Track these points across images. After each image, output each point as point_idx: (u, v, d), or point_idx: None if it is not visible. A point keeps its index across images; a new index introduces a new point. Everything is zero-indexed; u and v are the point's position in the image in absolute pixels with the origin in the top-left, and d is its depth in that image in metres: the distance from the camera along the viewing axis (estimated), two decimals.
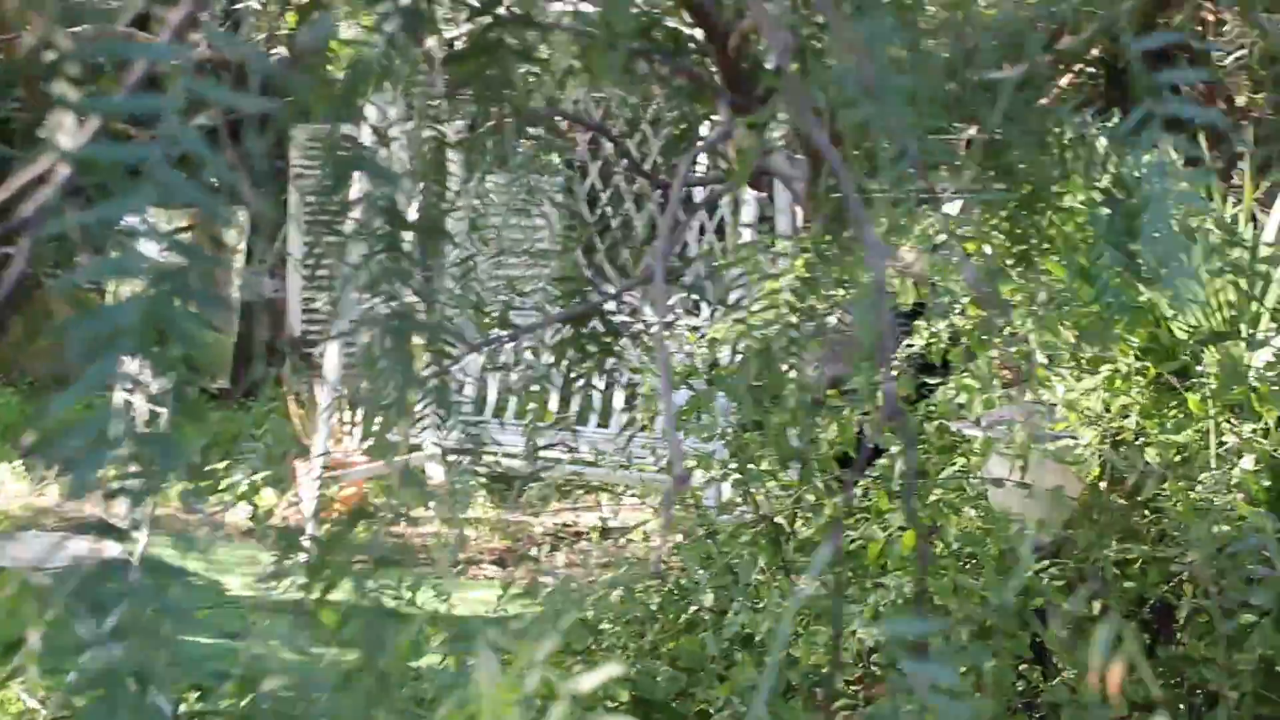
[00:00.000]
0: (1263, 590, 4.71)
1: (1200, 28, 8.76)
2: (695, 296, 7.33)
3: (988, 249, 3.86)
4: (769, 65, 2.80)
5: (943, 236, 5.55)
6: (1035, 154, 2.97)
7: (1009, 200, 3.34)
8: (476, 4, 2.71)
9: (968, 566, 4.75)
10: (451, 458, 9.14)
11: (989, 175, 3.17)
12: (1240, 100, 8.16)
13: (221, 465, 8.22)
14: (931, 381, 5.78)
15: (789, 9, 2.42)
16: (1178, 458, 5.01)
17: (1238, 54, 7.59)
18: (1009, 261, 3.67)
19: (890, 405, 2.54)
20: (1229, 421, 4.81)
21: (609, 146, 9.71)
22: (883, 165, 1.66)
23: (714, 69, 3.00)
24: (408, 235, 2.29)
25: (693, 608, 5.11)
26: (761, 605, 4.90)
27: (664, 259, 2.20)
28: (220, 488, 9.53)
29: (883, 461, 5.37)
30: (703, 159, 4.00)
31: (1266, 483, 4.70)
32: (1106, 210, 3.92)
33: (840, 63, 1.71)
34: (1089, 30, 2.92)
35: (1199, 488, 4.68)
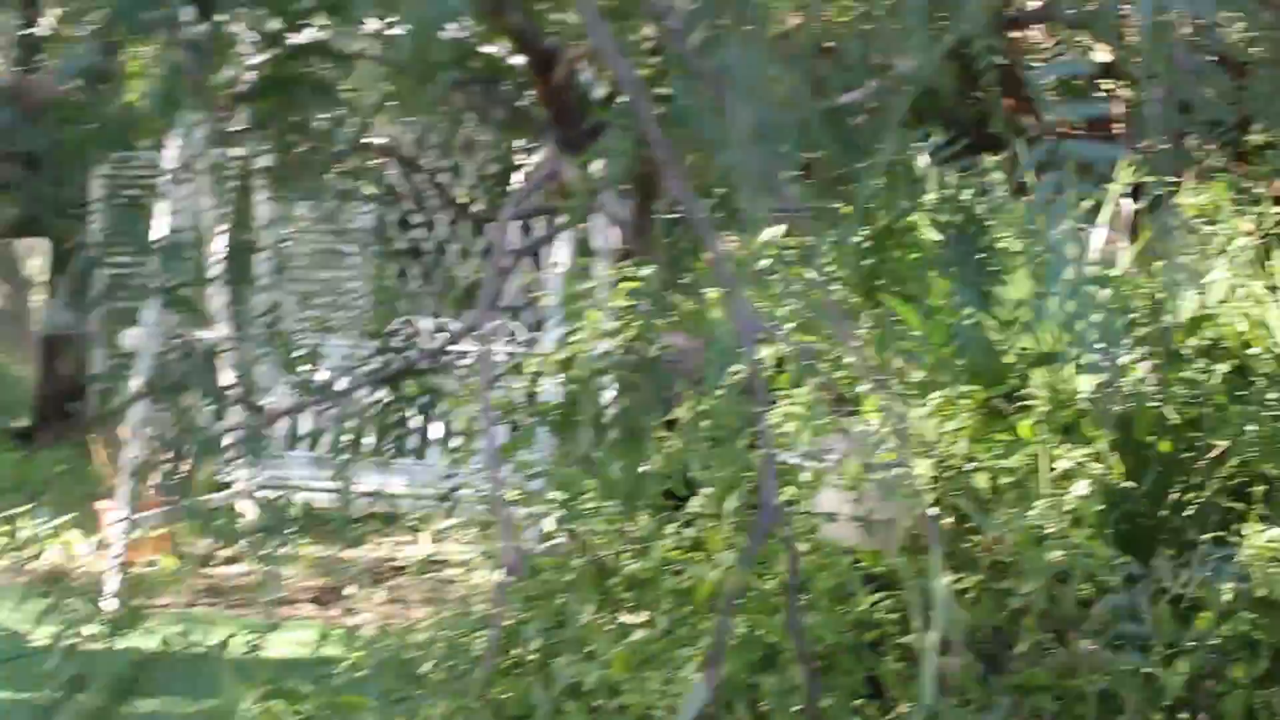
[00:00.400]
0: (1095, 616, 4.64)
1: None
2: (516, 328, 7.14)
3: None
4: (598, 97, 2.62)
5: (766, 262, 5.43)
6: (881, 184, 2.82)
7: (857, 235, 3.19)
8: (273, 34, 2.47)
9: (801, 602, 4.60)
10: (263, 495, 8.84)
11: (830, 206, 3.02)
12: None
13: (22, 509, 7.83)
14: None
15: (631, 38, 2.23)
16: (1009, 483, 4.91)
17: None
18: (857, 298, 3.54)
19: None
20: (1060, 446, 4.72)
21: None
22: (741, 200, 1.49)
23: (537, 100, 2.79)
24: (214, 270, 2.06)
25: (517, 650, 4.89)
26: (590, 649, 4.71)
27: (488, 307, 2.00)
28: (20, 533, 9.10)
29: (705, 495, 5.20)
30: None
31: (1100, 507, 4.62)
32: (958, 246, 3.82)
33: (696, 96, 1.54)
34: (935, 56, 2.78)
35: (1032, 514, 4.57)
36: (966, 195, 4.90)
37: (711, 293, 4.90)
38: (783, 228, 5.39)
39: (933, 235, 4.86)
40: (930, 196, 5.29)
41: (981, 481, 4.99)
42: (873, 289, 5.13)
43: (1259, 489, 4.74)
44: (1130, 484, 4.69)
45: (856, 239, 5.26)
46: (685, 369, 5.08)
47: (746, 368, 5.40)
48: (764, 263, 5.34)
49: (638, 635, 4.66)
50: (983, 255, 3.51)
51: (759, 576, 4.66)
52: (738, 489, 4.78)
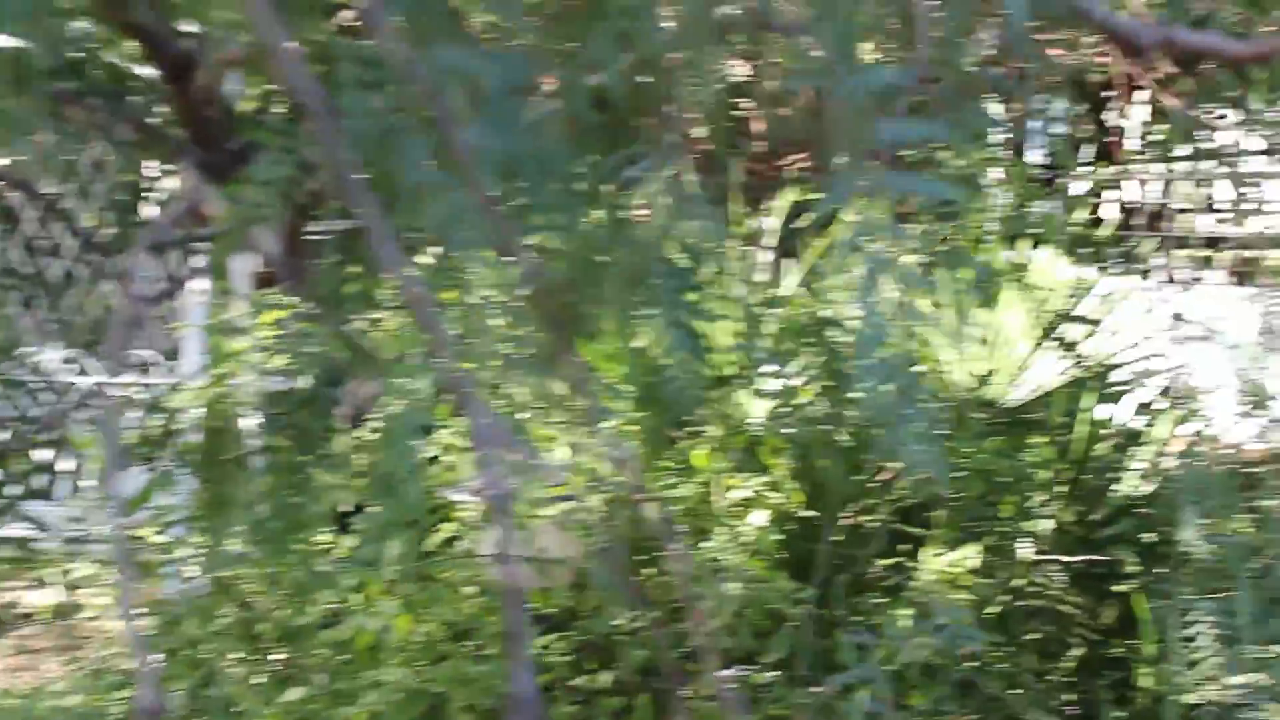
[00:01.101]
0: (776, 645, 4.48)
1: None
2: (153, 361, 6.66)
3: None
4: (246, 112, 2.27)
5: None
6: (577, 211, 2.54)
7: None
8: None
9: (468, 649, 4.31)
10: None
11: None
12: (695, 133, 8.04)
13: None
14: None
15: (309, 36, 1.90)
16: (684, 514, 4.72)
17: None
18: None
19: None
20: (736, 474, 4.54)
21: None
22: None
23: (172, 116, 2.41)
24: None
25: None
26: (240, 709, 4.34)
27: (120, 341, 1.66)
28: None
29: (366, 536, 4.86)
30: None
31: (777, 537, 4.45)
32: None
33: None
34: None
35: (709, 546, 4.38)
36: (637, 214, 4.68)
37: (385, 320, 4.58)
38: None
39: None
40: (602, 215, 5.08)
41: (655, 513, 4.78)
42: (559, 315, 4.87)
43: (937, 513, 4.65)
44: (808, 512, 4.52)
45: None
46: (350, 402, 4.74)
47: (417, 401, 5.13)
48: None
49: (293, 693, 4.29)
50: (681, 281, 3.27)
51: (419, 623, 4.35)
52: (402, 531, 4.45)
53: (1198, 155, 12.84)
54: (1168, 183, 12.14)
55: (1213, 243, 11.25)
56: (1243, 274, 10.88)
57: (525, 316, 3.04)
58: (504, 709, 4.35)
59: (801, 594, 4.47)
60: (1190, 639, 4.32)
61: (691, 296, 2.71)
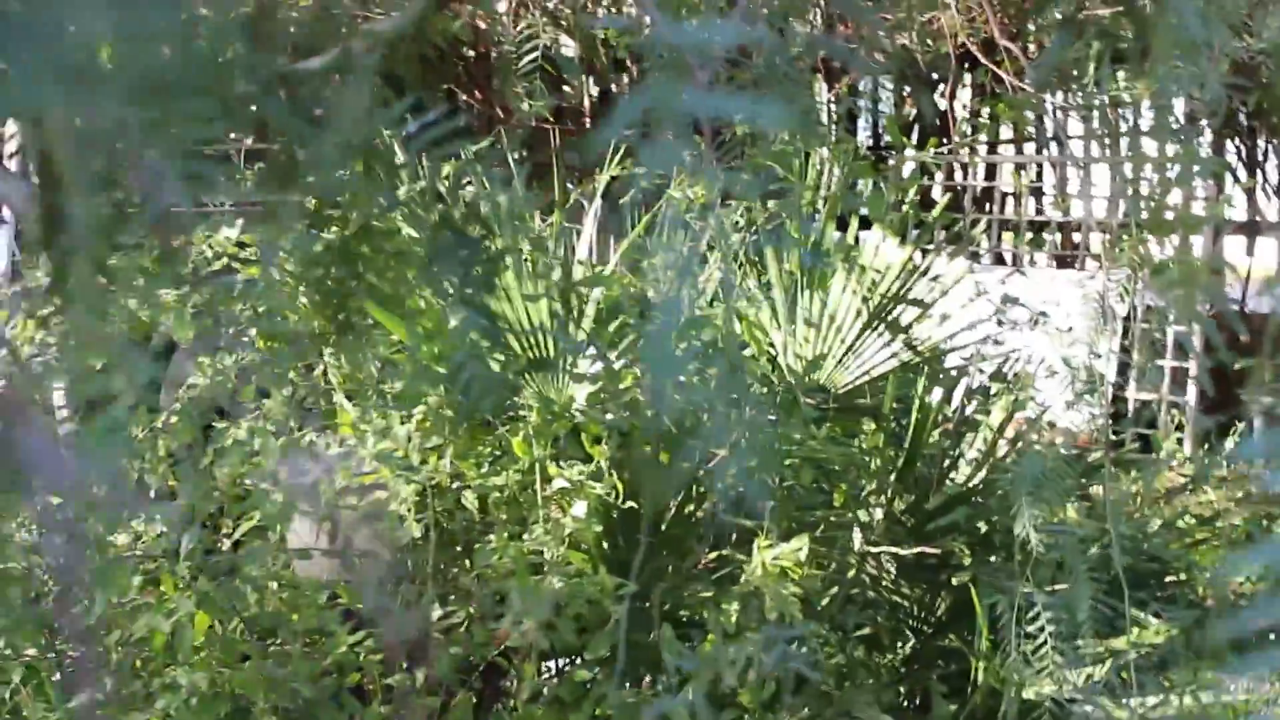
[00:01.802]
0: (596, 645, 4.28)
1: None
2: None
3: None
4: None
5: (222, 262, 4.88)
6: (356, 175, 2.29)
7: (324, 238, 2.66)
8: None
9: (273, 648, 4.04)
10: None
11: (287, 199, 2.46)
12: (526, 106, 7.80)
13: None
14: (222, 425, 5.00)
15: None
16: (502, 504, 4.50)
17: (530, 58, 7.24)
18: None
19: None
20: (557, 463, 4.31)
21: None
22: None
23: None
24: None
25: None
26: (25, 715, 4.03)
27: None
28: None
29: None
30: None
31: (599, 528, 4.24)
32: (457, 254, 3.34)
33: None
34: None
35: (528, 538, 4.15)
36: (449, 186, 4.45)
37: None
38: (239, 224, 4.86)
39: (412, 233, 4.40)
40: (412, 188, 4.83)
41: (471, 502, 4.55)
42: (346, 292, 4.60)
43: (767, 502, 4.47)
44: (632, 503, 4.31)
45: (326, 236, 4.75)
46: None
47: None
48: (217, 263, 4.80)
49: (80, 697, 3.99)
50: (471, 254, 3.04)
51: (222, 622, 4.07)
52: (195, 520, 4.17)
53: (1027, 138, 12.89)
54: (996, 166, 12.18)
55: (1040, 226, 11.31)
56: (1070, 258, 10.92)
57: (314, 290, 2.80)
58: (308, 711, 4.10)
59: (624, 588, 4.26)
60: (1028, 632, 4.20)
61: (482, 272, 2.49)
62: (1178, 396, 10.60)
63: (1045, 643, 4.10)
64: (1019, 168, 13.29)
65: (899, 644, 4.84)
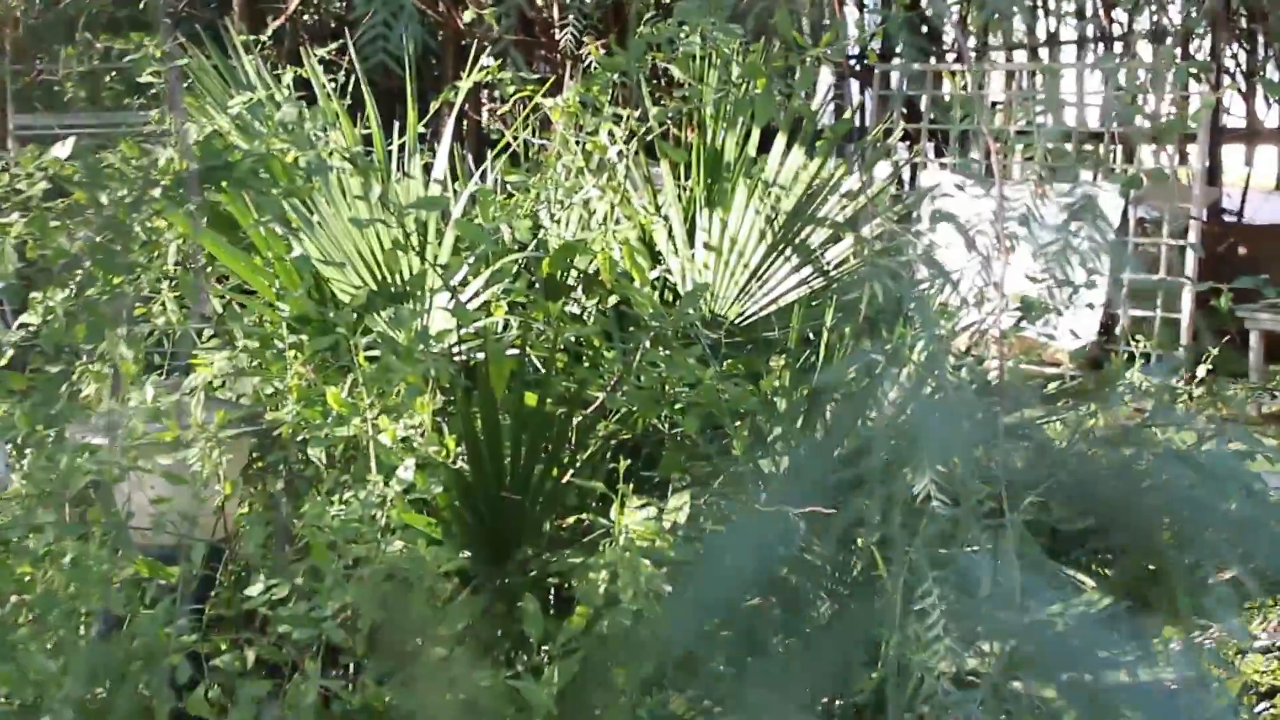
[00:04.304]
0: (450, 619, 3.75)
1: None
2: None
3: None
4: None
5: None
6: None
7: None
8: None
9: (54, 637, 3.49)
10: None
11: None
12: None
13: None
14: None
15: None
16: (346, 458, 3.96)
17: None
18: None
19: None
20: (395, 416, 3.76)
21: None
22: None
23: None
24: None
25: None
26: None
27: None
28: None
29: None
30: None
31: (441, 489, 3.69)
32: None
33: None
34: None
35: (358, 500, 3.61)
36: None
37: None
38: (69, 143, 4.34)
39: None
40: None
41: (316, 454, 4.01)
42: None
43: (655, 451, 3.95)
44: (499, 456, 3.76)
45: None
46: None
47: None
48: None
49: None
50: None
51: None
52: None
53: (1018, 45, 12.26)
54: (922, 70, 11.53)
55: (966, 134, 10.68)
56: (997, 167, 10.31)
57: None
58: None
59: (482, 555, 3.73)
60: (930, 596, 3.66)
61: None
62: (1174, 314, 10.06)
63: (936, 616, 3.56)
64: (1009, 75, 12.68)
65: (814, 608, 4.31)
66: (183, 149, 3.91)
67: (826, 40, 4.15)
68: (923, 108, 11.24)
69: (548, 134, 4.63)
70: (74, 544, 3.54)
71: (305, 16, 8.26)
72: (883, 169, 5.30)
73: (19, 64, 7.46)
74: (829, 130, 4.50)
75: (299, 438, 4.03)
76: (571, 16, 6.46)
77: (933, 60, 13.22)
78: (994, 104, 12.06)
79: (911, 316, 4.57)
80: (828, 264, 4.47)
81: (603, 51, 4.80)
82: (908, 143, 11.43)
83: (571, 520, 3.85)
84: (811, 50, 4.12)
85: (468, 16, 7.72)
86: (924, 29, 13.26)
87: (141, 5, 7.70)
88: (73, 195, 4.28)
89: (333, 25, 8.42)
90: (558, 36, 6.97)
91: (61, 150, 4.40)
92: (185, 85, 4.64)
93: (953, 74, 12.10)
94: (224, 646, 3.86)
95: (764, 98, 4.22)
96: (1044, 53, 14.56)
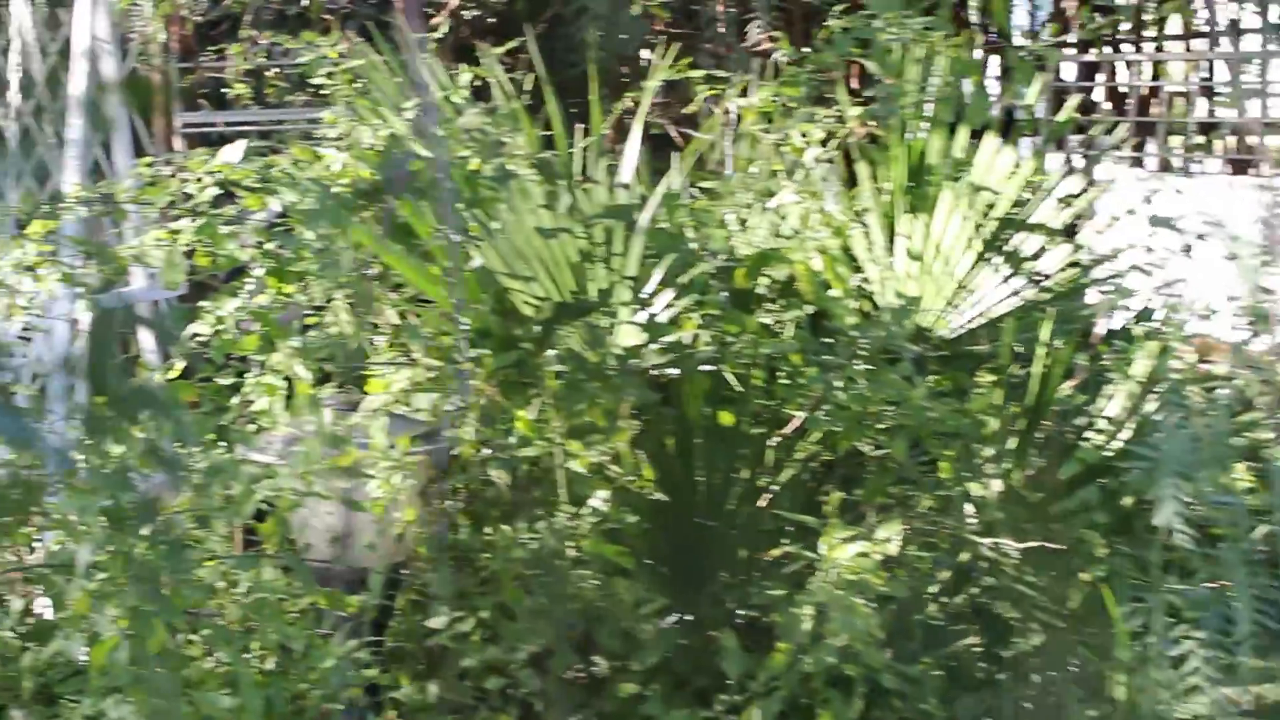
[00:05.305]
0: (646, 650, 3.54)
1: None
2: None
3: None
4: None
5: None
6: None
7: None
8: None
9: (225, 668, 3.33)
10: None
11: None
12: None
13: None
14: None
15: None
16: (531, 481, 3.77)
17: None
18: None
19: None
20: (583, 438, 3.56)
21: None
22: None
23: None
24: None
25: None
26: None
27: None
28: None
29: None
30: None
31: (633, 518, 3.48)
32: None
33: None
34: None
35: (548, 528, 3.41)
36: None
37: None
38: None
39: None
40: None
41: (502, 478, 3.82)
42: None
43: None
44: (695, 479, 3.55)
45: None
46: None
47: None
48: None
49: None
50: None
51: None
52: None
53: (1196, 34, 11.80)
54: (1156, 63, 11.10)
55: (1210, 128, 10.21)
56: (1245, 162, 9.86)
57: None
58: None
59: (675, 586, 3.52)
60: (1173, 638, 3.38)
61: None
62: None
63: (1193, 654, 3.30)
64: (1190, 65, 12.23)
65: (1024, 638, 4.04)
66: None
67: (1054, 30, 3.88)
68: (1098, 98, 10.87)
69: (735, 134, 4.41)
70: (250, 574, 3.37)
71: (464, 11, 8.13)
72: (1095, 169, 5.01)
73: (186, 62, 7.40)
74: (1048, 128, 4.22)
75: (478, 456, 3.85)
76: (758, 9, 6.23)
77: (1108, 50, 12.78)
78: (1173, 94, 11.63)
79: (1130, 330, 4.29)
80: (1040, 274, 4.20)
81: (791, 48, 4.59)
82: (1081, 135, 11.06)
83: (775, 551, 3.62)
84: (1032, 45, 3.86)
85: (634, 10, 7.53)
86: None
87: (309, 1, 7.63)
88: (242, 200, 4.15)
89: (490, 21, 8.27)
90: (746, 30, 6.72)
91: (232, 154, 4.26)
92: (359, 86, 4.48)
93: (1157, 64, 11.69)
94: (404, 681, 3.70)
95: (977, 96, 3.96)
96: (1224, 41, 14.01)
